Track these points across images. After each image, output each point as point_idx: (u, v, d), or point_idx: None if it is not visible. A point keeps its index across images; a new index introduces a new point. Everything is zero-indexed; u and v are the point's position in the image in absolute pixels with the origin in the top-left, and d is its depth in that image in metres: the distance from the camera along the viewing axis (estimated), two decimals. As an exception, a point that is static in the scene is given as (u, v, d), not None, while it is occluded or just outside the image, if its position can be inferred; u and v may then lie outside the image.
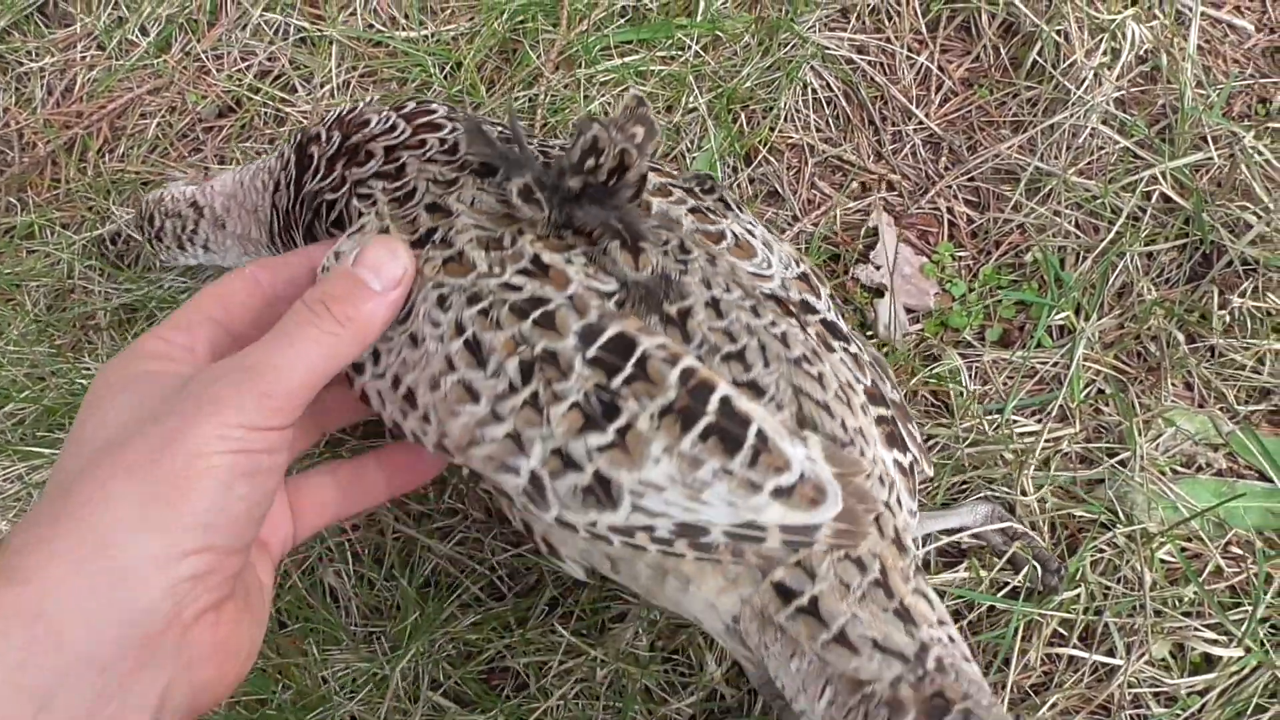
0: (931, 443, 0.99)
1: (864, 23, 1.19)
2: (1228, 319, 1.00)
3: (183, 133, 1.27)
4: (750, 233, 0.75)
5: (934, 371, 1.02)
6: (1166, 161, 1.05)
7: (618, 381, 0.62)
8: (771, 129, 1.15)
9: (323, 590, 1.02)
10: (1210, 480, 0.96)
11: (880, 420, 0.68)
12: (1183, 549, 0.93)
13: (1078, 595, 0.91)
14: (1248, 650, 0.88)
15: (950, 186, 1.12)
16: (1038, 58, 1.12)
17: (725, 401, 0.62)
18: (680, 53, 1.18)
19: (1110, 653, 0.90)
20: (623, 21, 1.20)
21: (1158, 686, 0.89)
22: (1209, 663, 0.90)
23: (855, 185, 1.14)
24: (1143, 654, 0.89)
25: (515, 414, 0.64)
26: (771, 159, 1.14)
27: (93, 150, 1.28)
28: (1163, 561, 0.92)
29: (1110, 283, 1.04)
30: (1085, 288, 1.04)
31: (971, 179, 1.12)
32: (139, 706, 0.53)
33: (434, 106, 0.85)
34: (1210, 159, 1.05)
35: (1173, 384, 1.00)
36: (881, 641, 0.60)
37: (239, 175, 1.02)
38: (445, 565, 1.01)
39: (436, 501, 1.03)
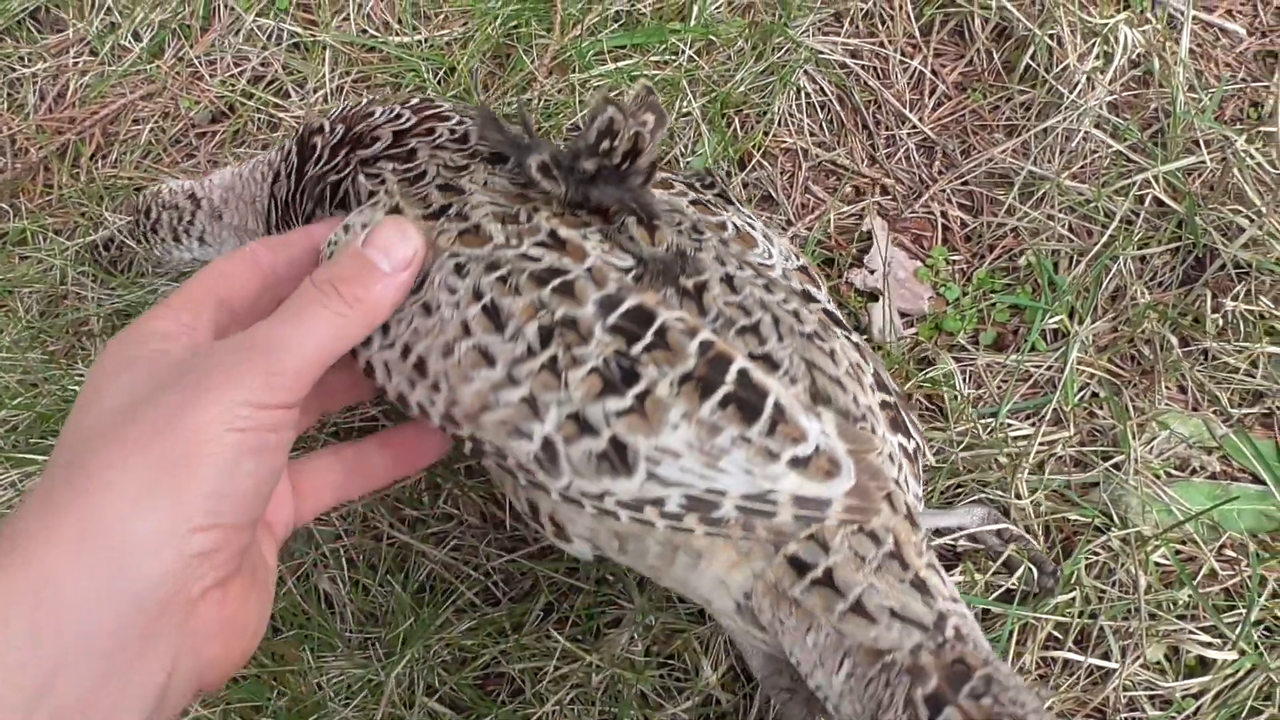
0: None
1: (857, 27, 1.19)
2: (1221, 322, 1.01)
3: (176, 138, 1.27)
4: (750, 225, 0.76)
5: (928, 375, 1.02)
6: (1159, 165, 1.06)
7: (638, 349, 0.63)
8: (765, 133, 1.15)
9: (317, 596, 1.02)
10: (1204, 483, 0.96)
11: (884, 405, 0.69)
12: (1177, 552, 0.93)
13: (1072, 599, 0.91)
14: (1242, 653, 0.88)
15: (944, 190, 1.12)
16: (1031, 62, 1.12)
17: (743, 373, 0.62)
18: (674, 57, 1.18)
19: (1105, 656, 0.90)
20: (616, 26, 1.20)
21: (1153, 690, 0.89)
22: (1204, 666, 0.90)
23: (849, 189, 1.14)
24: (1138, 657, 0.89)
25: (532, 378, 0.63)
26: (765, 163, 1.15)
27: (85, 156, 1.27)
28: (1157, 565, 0.92)
29: (1104, 286, 1.04)
30: (1079, 291, 1.04)
31: (965, 183, 1.12)
32: (145, 684, 0.53)
33: (439, 101, 0.86)
34: (1203, 163, 1.06)
35: (1166, 387, 1.00)
36: (899, 610, 0.60)
37: (238, 169, 1.02)
38: (440, 571, 1.01)
39: (431, 507, 1.03)
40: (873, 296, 1.07)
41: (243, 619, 0.59)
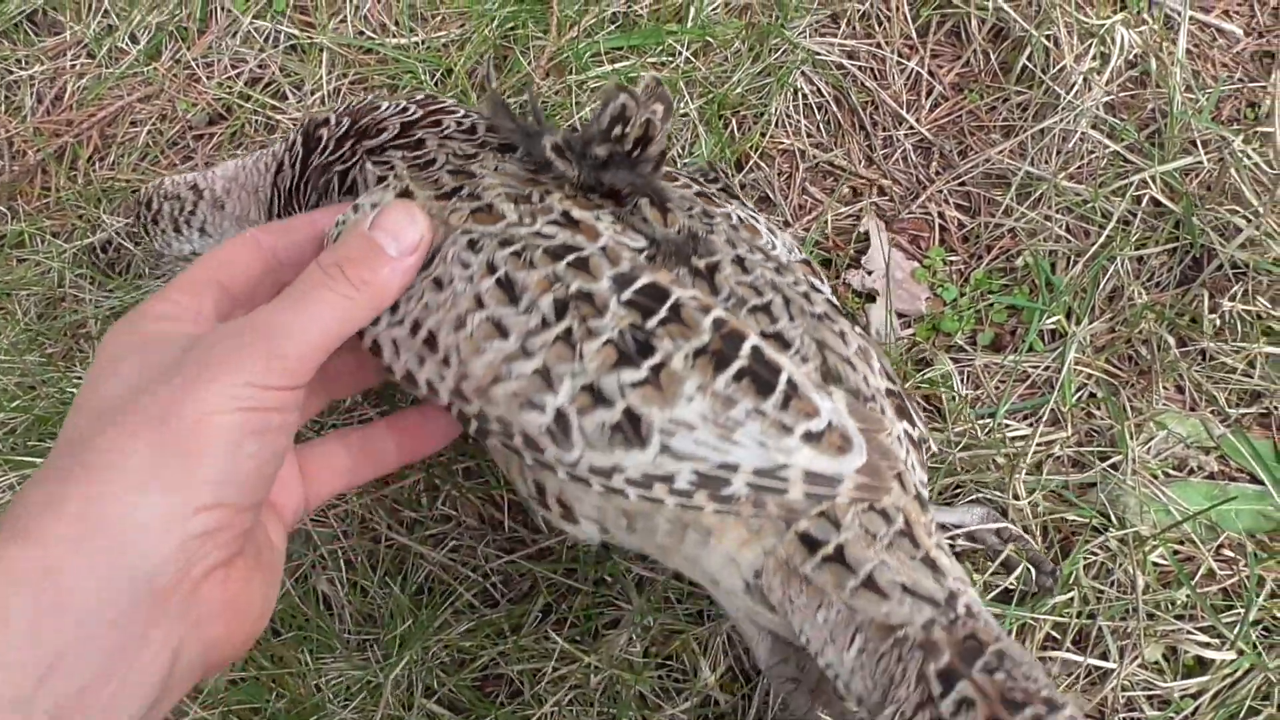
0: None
1: (854, 28, 1.19)
2: (1218, 322, 1.01)
3: (173, 140, 1.27)
4: (754, 219, 0.77)
5: (926, 376, 1.02)
6: (1156, 166, 1.06)
7: (653, 322, 0.63)
8: (762, 134, 1.15)
9: (316, 598, 1.02)
10: (1202, 483, 0.96)
11: (889, 393, 0.69)
12: (1175, 552, 0.93)
13: (1071, 599, 0.91)
14: (1240, 653, 0.88)
15: (941, 191, 1.12)
16: (1027, 63, 1.12)
17: (757, 350, 0.63)
18: (671, 59, 1.18)
19: (1104, 656, 0.90)
20: (613, 28, 1.20)
21: (1151, 690, 0.89)
22: (1202, 666, 0.90)
23: (846, 190, 1.14)
24: (1136, 657, 0.89)
25: (546, 349, 0.63)
26: (763, 164, 1.15)
27: (83, 158, 1.28)
28: (1155, 565, 0.92)
29: (1101, 287, 1.04)
30: (1076, 292, 1.04)
31: (962, 183, 1.12)
32: (151, 663, 0.53)
33: (442, 98, 0.86)
34: (1200, 163, 1.06)
35: (1164, 387, 1.00)
36: (911, 586, 0.61)
37: (242, 160, 1.02)
38: (438, 572, 1.01)
39: (429, 508, 1.03)
40: (870, 297, 1.07)
41: (247, 600, 0.59)
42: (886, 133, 1.16)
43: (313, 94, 1.24)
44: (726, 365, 0.62)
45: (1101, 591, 0.91)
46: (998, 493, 0.96)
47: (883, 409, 0.66)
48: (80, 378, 1.13)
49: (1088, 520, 0.94)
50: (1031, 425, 1.00)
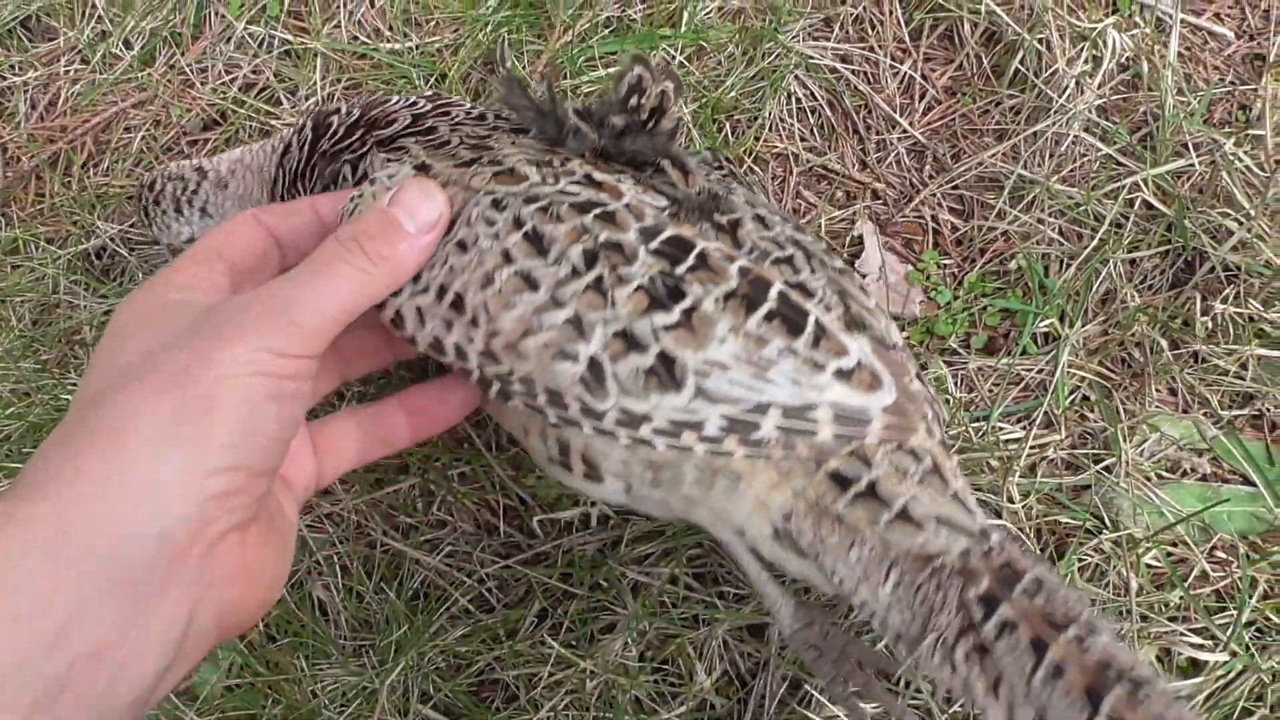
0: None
1: (847, 32, 1.19)
2: (1210, 325, 1.01)
3: (167, 146, 1.27)
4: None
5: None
6: (1148, 168, 1.06)
7: (681, 269, 0.64)
8: (756, 138, 1.15)
9: (312, 604, 1.02)
10: (1195, 485, 0.97)
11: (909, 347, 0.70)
12: (1168, 554, 0.93)
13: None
14: (1234, 654, 0.89)
15: (934, 194, 1.12)
16: (1020, 66, 1.13)
17: (784, 294, 0.64)
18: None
19: (1097, 658, 0.90)
20: (607, 32, 1.20)
21: (1145, 691, 0.89)
22: (1196, 667, 0.90)
23: (840, 194, 1.14)
24: (1130, 659, 0.89)
25: (577, 298, 0.64)
26: (756, 168, 1.15)
27: (77, 164, 1.27)
28: (1148, 567, 0.92)
29: (1094, 289, 1.04)
30: (1069, 294, 1.05)
31: (955, 187, 1.12)
32: (165, 624, 0.53)
33: (449, 96, 0.87)
34: (1192, 166, 1.06)
35: (1157, 390, 1.00)
36: (945, 518, 0.61)
37: (249, 146, 1.02)
38: (434, 578, 1.01)
39: (425, 514, 1.03)
40: (864, 301, 1.07)
41: (260, 566, 0.60)
42: (880, 136, 1.16)
43: (307, 99, 1.24)
44: (756, 307, 0.63)
45: (1095, 594, 0.92)
46: (991, 495, 0.96)
47: (905, 357, 0.68)
48: (75, 384, 1.13)
49: (1081, 523, 0.94)
50: (1025, 428, 1.00)
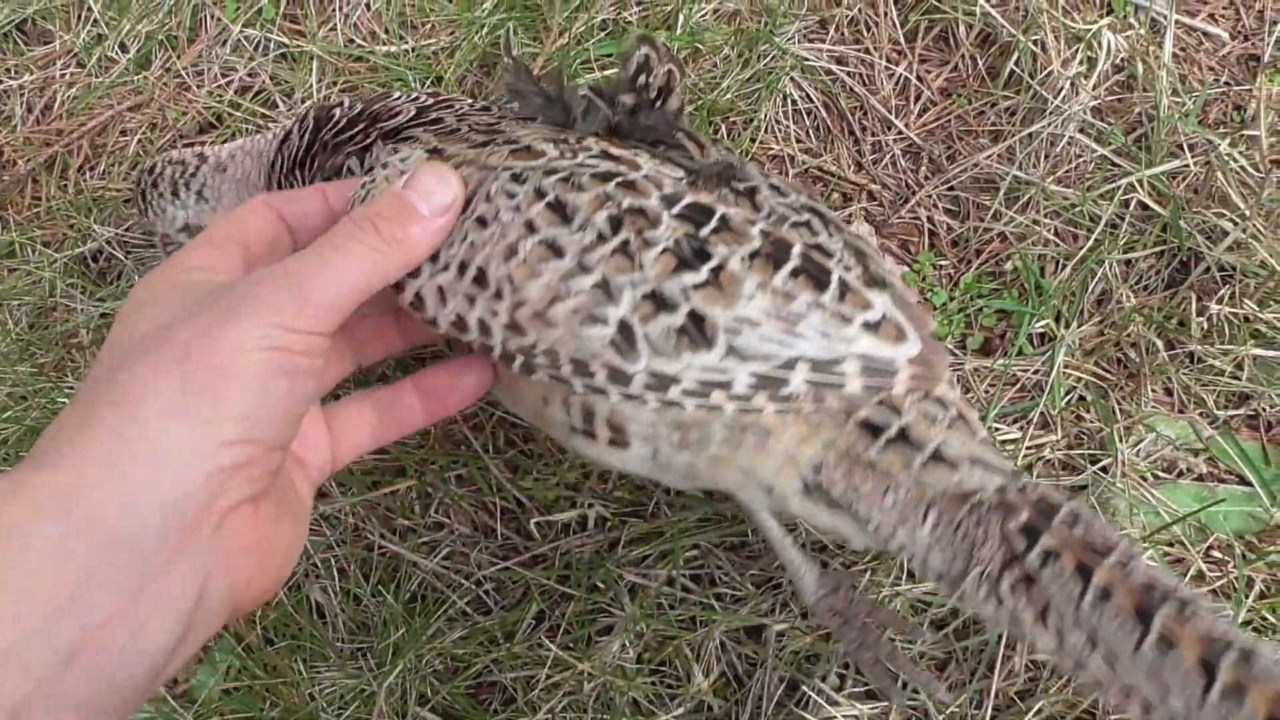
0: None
1: (843, 34, 1.19)
2: (1206, 325, 1.01)
3: (164, 149, 1.27)
4: None
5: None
6: (1144, 169, 1.06)
7: (705, 231, 0.65)
8: (752, 140, 1.15)
9: (309, 607, 1.02)
10: (1191, 485, 0.97)
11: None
12: (1165, 554, 0.93)
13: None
14: (1230, 654, 0.89)
15: (930, 196, 1.13)
16: (1015, 67, 1.13)
17: (806, 253, 0.65)
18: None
19: (1094, 658, 0.90)
20: (603, 35, 1.21)
21: (1142, 691, 0.89)
22: (1192, 667, 0.90)
23: (836, 195, 1.14)
24: (1126, 659, 0.89)
25: (604, 262, 0.64)
26: (753, 170, 1.15)
27: (73, 168, 1.27)
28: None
29: (1090, 290, 1.04)
30: (1065, 295, 1.05)
31: (951, 188, 1.13)
32: (176, 595, 0.53)
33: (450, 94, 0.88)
34: (1187, 166, 1.06)
35: (1153, 390, 1.01)
36: (977, 458, 0.63)
37: (251, 135, 1.03)
38: (431, 580, 1.01)
39: (422, 516, 1.03)
40: (860, 302, 1.07)
41: (273, 541, 0.60)
42: (875, 138, 1.16)
43: (303, 102, 1.24)
44: (782, 264, 0.64)
45: (1092, 594, 0.92)
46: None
47: (923, 313, 0.69)
48: (72, 388, 1.13)
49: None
50: (1021, 429, 1.00)
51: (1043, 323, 1.04)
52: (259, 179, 0.99)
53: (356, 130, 0.86)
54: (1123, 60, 1.12)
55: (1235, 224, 1.02)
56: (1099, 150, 1.09)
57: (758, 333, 0.63)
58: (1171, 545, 0.94)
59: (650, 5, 1.20)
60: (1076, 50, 1.11)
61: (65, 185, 1.28)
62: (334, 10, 1.27)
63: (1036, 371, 1.02)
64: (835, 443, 0.64)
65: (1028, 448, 0.98)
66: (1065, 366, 1.01)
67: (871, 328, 0.64)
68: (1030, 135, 1.11)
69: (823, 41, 1.19)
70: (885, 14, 1.18)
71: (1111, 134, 1.10)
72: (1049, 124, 1.10)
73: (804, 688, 0.92)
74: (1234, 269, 1.02)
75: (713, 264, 0.64)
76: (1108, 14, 1.15)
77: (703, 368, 0.63)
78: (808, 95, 1.17)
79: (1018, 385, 1.02)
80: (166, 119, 1.27)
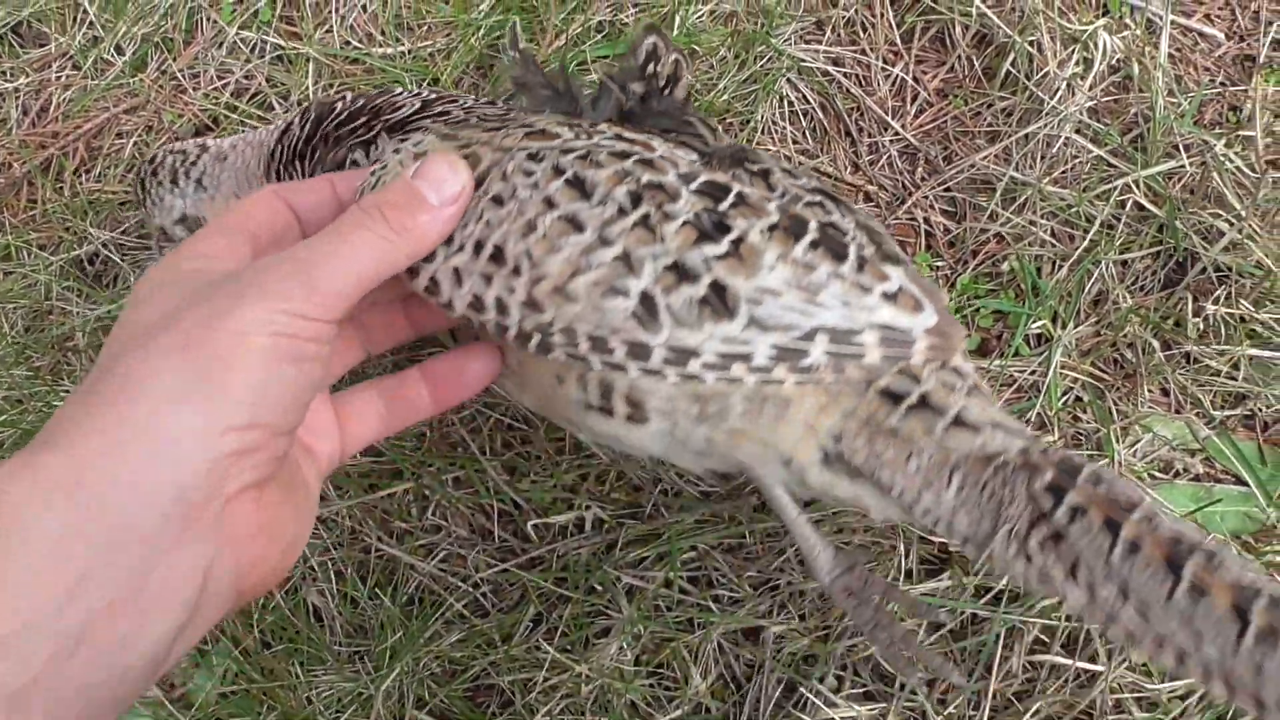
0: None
1: (839, 35, 1.19)
2: (1202, 325, 1.01)
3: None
4: None
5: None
6: (1140, 170, 1.06)
7: (724, 205, 0.66)
8: (749, 141, 1.15)
9: (306, 610, 1.02)
10: (1188, 485, 0.97)
11: None
12: (1162, 554, 0.93)
13: (1059, 602, 0.92)
14: (1227, 654, 0.89)
15: (927, 197, 1.13)
16: (1011, 68, 1.13)
17: (823, 226, 0.66)
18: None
19: (1092, 659, 0.90)
20: (599, 37, 1.21)
21: (1140, 692, 0.90)
22: (1189, 667, 0.90)
23: (833, 197, 1.14)
24: (1124, 660, 0.90)
25: (625, 235, 0.65)
26: (749, 171, 1.15)
27: (69, 171, 1.27)
28: (1142, 567, 0.93)
29: (1086, 291, 1.05)
30: (1061, 296, 1.05)
31: (948, 189, 1.13)
32: (181, 579, 0.53)
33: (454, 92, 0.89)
34: (1183, 167, 1.06)
35: (1149, 390, 1.01)
36: (998, 423, 0.64)
37: (255, 129, 1.03)
38: (428, 583, 1.01)
39: (419, 519, 1.03)
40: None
41: (278, 527, 0.60)
42: (872, 139, 1.16)
43: (299, 104, 1.24)
44: (800, 237, 0.65)
45: (1089, 595, 0.92)
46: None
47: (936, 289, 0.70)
48: (68, 390, 1.13)
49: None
50: (1018, 429, 1.00)
51: (1039, 323, 1.04)
52: (258, 167, 0.99)
53: (359, 123, 0.86)
54: (1119, 61, 1.12)
55: (1231, 224, 1.02)
56: (1095, 151, 1.09)
57: (779, 302, 0.63)
58: (1168, 546, 0.93)
59: (647, 7, 1.20)
60: (1072, 51, 1.11)
61: (61, 188, 1.27)
62: (330, 12, 1.27)
63: (1033, 372, 1.02)
64: (855, 411, 0.65)
65: (1025, 449, 0.98)
66: (1062, 367, 1.01)
67: (890, 298, 0.65)
68: (1026, 136, 1.11)
69: (819, 43, 1.19)
70: (881, 15, 1.18)
71: (1107, 135, 1.10)
72: (1045, 125, 1.10)
73: (802, 689, 0.92)
74: (1230, 269, 1.02)
75: (733, 236, 0.64)
76: (1103, 15, 1.15)
77: (724, 339, 0.64)
78: (804, 96, 1.17)
79: (1014, 386, 1.02)
80: (162, 121, 1.27)
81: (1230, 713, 0.88)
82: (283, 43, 1.27)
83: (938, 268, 1.10)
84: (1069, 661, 0.90)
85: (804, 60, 1.17)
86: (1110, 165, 1.09)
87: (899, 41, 1.19)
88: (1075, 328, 1.03)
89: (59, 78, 1.32)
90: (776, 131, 1.16)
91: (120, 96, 1.30)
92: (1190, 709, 0.88)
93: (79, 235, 1.23)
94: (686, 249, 0.64)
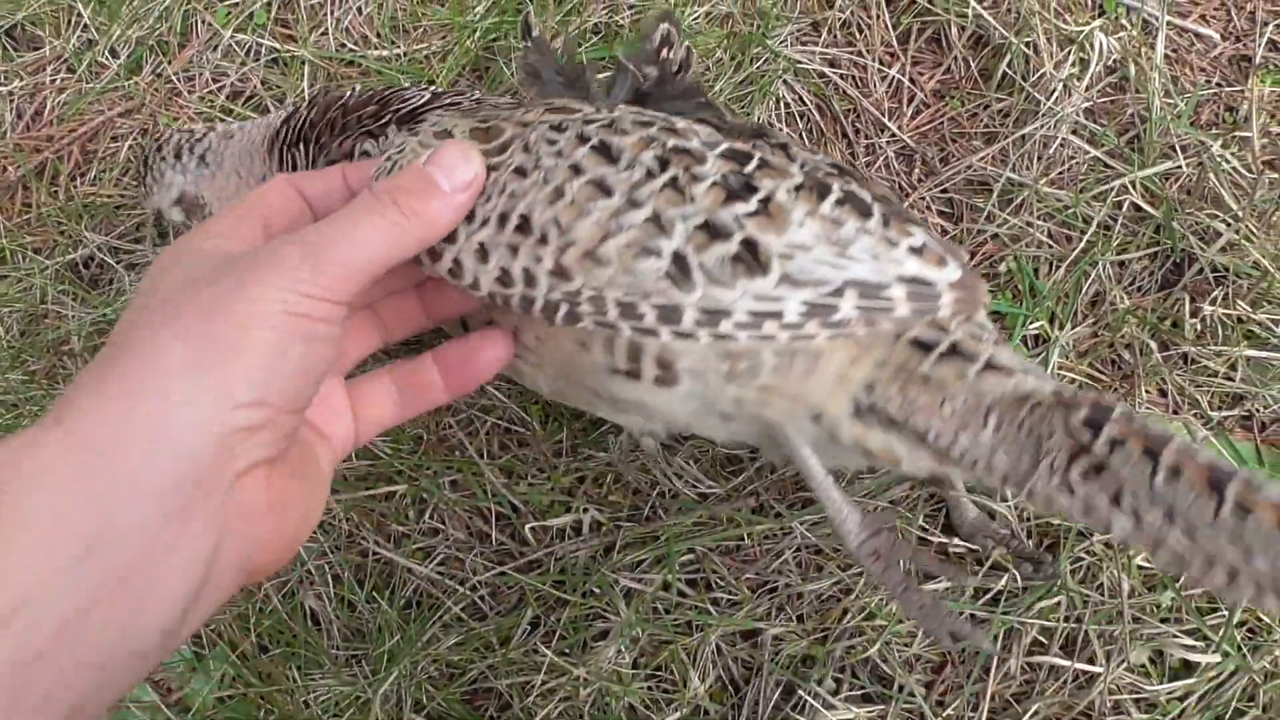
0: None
1: (835, 36, 1.19)
2: (1199, 326, 1.01)
3: (155, 155, 1.27)
4: None
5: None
6: (1136, 171, 1.06)
7: (750, 168, 0.67)
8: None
9: (304, 614, 1.02)
10: (1185, 486, 0.97)
11: None
12: (1160, 555, 0.93)
13: (1057, 603, 0.92)
14: (1225, 655, 0.89)
15: (924, 198, 1.12)
16: (1007, 69, 1.13)
17: (846, 189, 0.68)
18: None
19: (1090, 660, 0.91)
20: (595, 38, 1.20)
21: (1138, 693, 0.90)
22: (1188, 668, 0.90)
23: (830, 198, 1.14)
24: (1122, 661, 0.90)
25: (655, 196, 0.66)
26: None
27: (64, 174, 1.27)
28: (1140, 568, 0.93)
29: (1083, 291, 1.05)
30: (1059, 297, 1.05)
31: (945, 190, 1.13)
32: (191, 549, 0.53)
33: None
34: (1179, 167, 1.06)
35: (1147, 391, 1.01)
36: (1028, 368, 0.66)
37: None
38: (426, 586, 1.01)
39: (417, 522, 1.03)
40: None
41: (287, 506, 0.60)
42: (869, 140, 1.16)
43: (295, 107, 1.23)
44: (826, 194, 0.66)
45: (1088, 596, 0.92)
46: (984, 497, 0.96)
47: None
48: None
49: (1073, 525, 0.94)
50: (1016, 431, 1.00)
51: (1037, 324, 1.04)
52: (262, 144, 0.99)
53: (367, 112, 0.87)
54: (1115, 62, 1.12)
55: (1228, 225, 1.02)
56: (1092, 152, 1.09)
57: (810, 256, 0.65)
58: (1167, 546, 0.93)
59: (643, 8, 1.20)
60: (1069, 52, 1.11)
61: (56, 191, 1.27)
62: (325, 15, 1.26)
63: (1031, 373, 1.02)
64: (887, 361, 0.67)
65: (1022, 450, 0.97)
66: (1059, 368, 1.01)
67: (917, 252, 0.66)
68: (1023, 137, 1.11)
69: (815, 44, 1.19)
70: (877, 16, 1.18)
71: (1104, 136, 1.10)
72: (1042, 126, 1.10)
73: (800, 691, 0.92)
74: (1227, 270, 1.02)
75: (761, 195, 0.65)
76: (1100, 16, 1.15)
77: (756, 296, 0.64)
78: (801, 98, 1.17)
79: (1012, 387, 1.02)
80: (158, 124, 1.27)
81: (1230, 714, 0.88)
82: (278, 45, 1.26)
83: (935, 269, 1.10)
84: (1067, 663, 0.90)
85: (800, 62, 1.17)
86: (1107, 166, 1.09)
87: (895, 43, 1.19)
88: (1073, 328, 1.03)
89: (53, 81, 1.32)
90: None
91: (115, 100, 1.29)
92: (1189, 710, 0.88)
93: (74, 239, 1.22)
94: (717, 208, 0.65)
